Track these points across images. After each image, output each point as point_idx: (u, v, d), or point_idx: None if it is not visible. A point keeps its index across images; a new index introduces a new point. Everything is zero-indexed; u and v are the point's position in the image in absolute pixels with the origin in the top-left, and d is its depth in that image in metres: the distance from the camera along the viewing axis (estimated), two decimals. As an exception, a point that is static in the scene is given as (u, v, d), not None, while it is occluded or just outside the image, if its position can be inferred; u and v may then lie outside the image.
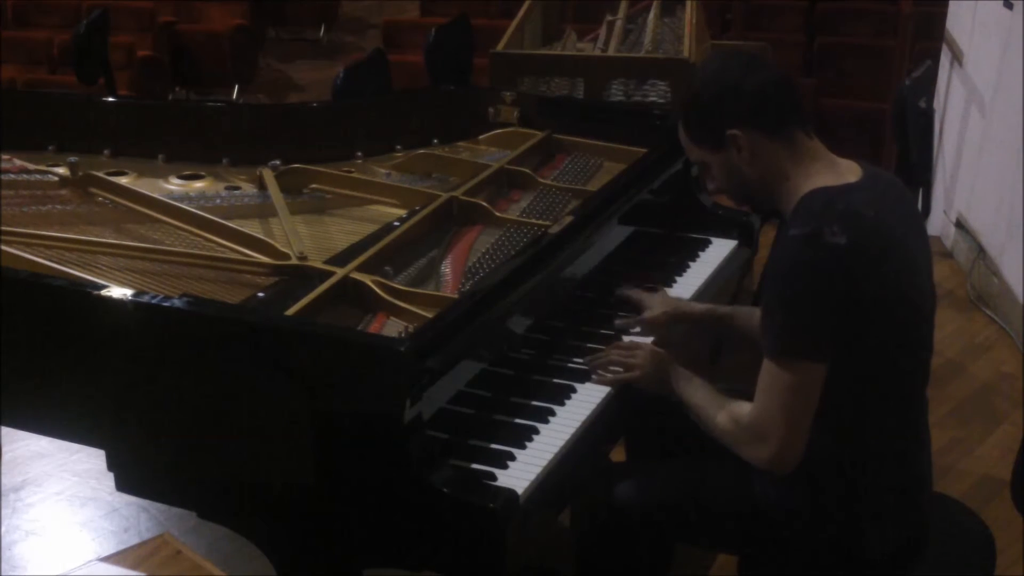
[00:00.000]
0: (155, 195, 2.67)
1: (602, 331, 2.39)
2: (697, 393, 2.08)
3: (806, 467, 2.01)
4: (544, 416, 2.08)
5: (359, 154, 3.04)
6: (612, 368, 2.21)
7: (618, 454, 2.50)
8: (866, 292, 1.86)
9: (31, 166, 2.90)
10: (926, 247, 2.07)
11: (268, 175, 2.79)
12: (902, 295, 1.93)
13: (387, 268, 2.32)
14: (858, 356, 1.92)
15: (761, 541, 2.09)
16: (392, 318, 2.14)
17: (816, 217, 1.89)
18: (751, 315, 2.30)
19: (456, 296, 2.18)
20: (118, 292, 2.03)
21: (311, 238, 2.50)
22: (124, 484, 2.10)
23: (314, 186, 2.83)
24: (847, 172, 1.99)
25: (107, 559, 2.81)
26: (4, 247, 2.34)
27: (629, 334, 2.39)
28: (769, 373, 1.91)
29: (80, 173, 2.78)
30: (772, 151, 1.98)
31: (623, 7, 5.21)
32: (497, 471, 1.91)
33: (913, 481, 2.06)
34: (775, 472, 1.95)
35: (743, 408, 1.97)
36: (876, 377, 1.96)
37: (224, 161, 2.99)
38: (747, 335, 2.30)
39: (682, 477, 2.15)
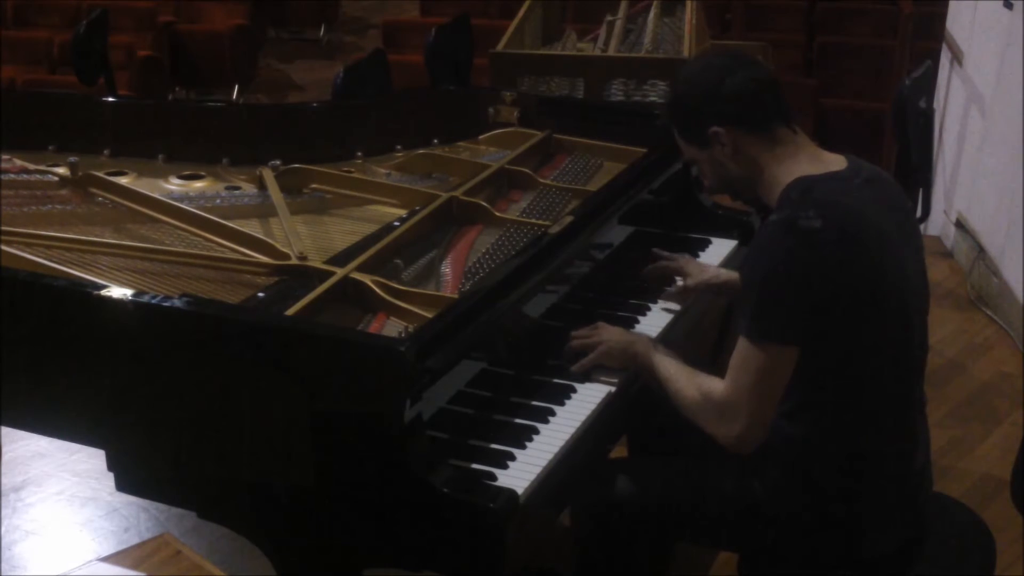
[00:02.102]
0: (155, 195, 2.67)
1: (602, 331, 2.39)
2: (668, 365, 2.09)
3: (805, 466, 2.01)
4: (544, 416, 2.08)
5: (359, 154, 3.04)
6: (582, 358, 2.21)
7: (619, 452, 2.50)
8: (843, 278, 1.88)
9: (31, 166, 2.90)
10: (916, 241, 2.08)
11: (268, 175, 2.79)
12: (885, 285, 1.93)
13: (397, 261, 2.32)
14: (847, 349, 1.93)
15: (761, 540, 2.09)
16: (392, 318, 2.14)
17: (793, 204, 1.93)
18: None
19: (456, 296, 2.18)
20: (118, 292, 2.03)
21: (311, 238, 2.50)
22: (124, 484, 2.10)
23: (314, 186, 2.83)
24: (832, 164, 2.03)
25: (107, 559, 2.81)
26: (4, 247, 2.34)
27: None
28: (742, 352, 1.93)
29: (80, 173, 2.78)
30: (754, 147, 2.03)
31: (623, 7, 5.22)
32: (497, 471, 1.91)
33: (912, 480, 2.06)
34: (736, 452, 1.96)
35: (715, 384, 1.98)
36: (869, 373, 1.97)
37: (224, 161, 2.99)
38: None
39: (682, 475, 2.15)
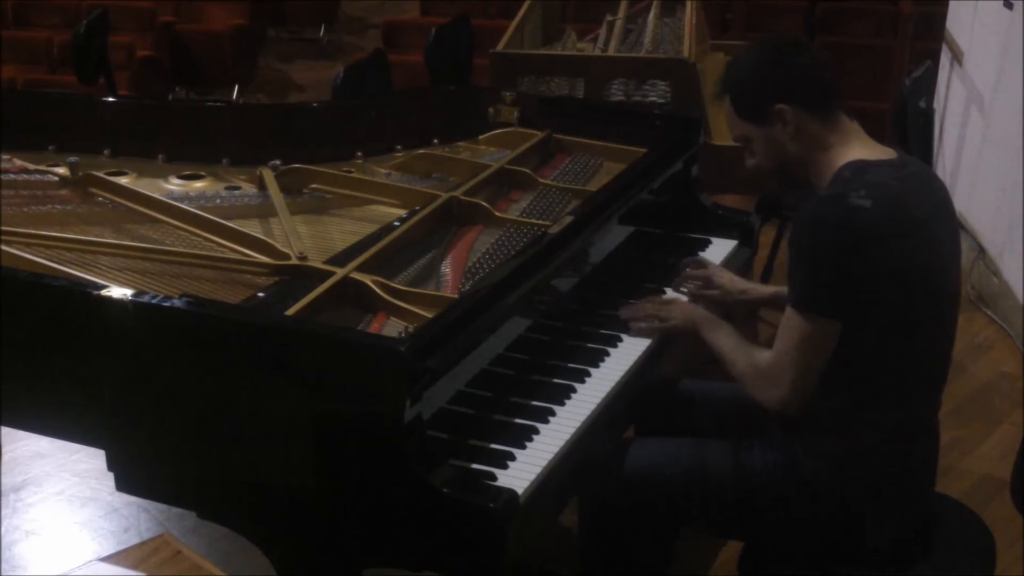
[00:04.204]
0: (155, 195, 2.67)
1: (602, 331, 2.39)
2: (724, 339, 2.19)
3: (807, 450, 2.02)
4: (544, 416, 2.08)
5: (359, 154, 3.04)
6: (647, 320, 2.35)
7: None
8: (884, 260, 1.92)
9: (31, 166, 2.90)
10: (955, 238, 2.12)
11: (268, 175, 2.79)
12: (926, 274, 1.97)
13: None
14: (871, 332, 1.95)
15: (762, 524, 2.10)
16: (392, 318, 2.14)
17: (845, 182, 1.98)
18: None
19: (456, 296, 2.18)
20: (118, 292, 2.03)
21: (311, 238, 2.50)
22: (124, 484, 2.10)
23: (314, 186, 2.83)
24: (883, 153, 2.08)
25: (107, 559, 2.81)
26: (4, 247, 2.34)
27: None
28: (788, 322, 2.00)
29: (80, 173, 2.78)
30: (814, 127, 2.08)
31: (623, 7, 5.21)
32: (497, 471, 1.91)
33: (915, 474, 2.08)
34: (781, 413, 2.04)
35: (763, 354, 2.07)
36: (890, 361, 1.99)
37: (224, 161, 2.99)
38: None
39: (686, 457, 2.16)
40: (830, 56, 2.16)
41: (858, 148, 2.07)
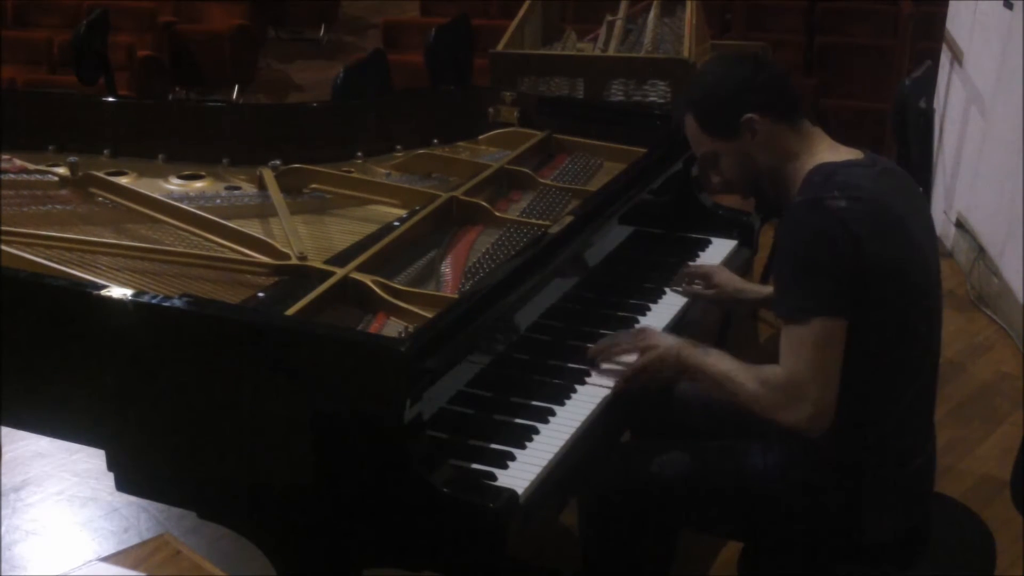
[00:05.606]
0: (155, 195, 2.67)
1: (602, 331, 2.39)
2: (721, 363, 2.06)
3: (806, 451, 2.03)
4: (544, 416, 2.08)
5: (359, 154, 3.04)
6: (623, 358, 2.20)
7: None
8: (866, 258, 1.91)
9: (31, 166, 2.90)
10: (931, 233, 2.12)
11: (268, 175, 2.79)
12: (904, 270, 1.97)
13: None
14: (861, 333, 1.94)
15: (762, 524, 2.11)
16: (392, 318, 2.14)
17: (818, 186, 1.98)
18: None
19: (456, 296, 2.18)
20: (118, 292, 2.03)
21: (311, 238, 2.50)
22: (124, 484, 2.10)
23: (314, 186, 2.83)
24: (848, 154, 2.08)
25: (107, 559, 2.80)
26: (4, 247, 2.34)
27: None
28: (792, 335, 1.92)
29: (80, 173, 2.78)
30: (783, 135, 2.08)
31: (623, 7, 5.22)
32: (497, 471, 1.91)
33: (914, 471, 2.08)
34: (811, 432, 1.93)
35: (774, 371, 1.95)
36: (880, 360, 1.98)
37: (224, 161, 2.99)
38: None
39: (686, 462, 2.16)
40: (785, 70, 2.20)
41: (824, 152, 2.07)
